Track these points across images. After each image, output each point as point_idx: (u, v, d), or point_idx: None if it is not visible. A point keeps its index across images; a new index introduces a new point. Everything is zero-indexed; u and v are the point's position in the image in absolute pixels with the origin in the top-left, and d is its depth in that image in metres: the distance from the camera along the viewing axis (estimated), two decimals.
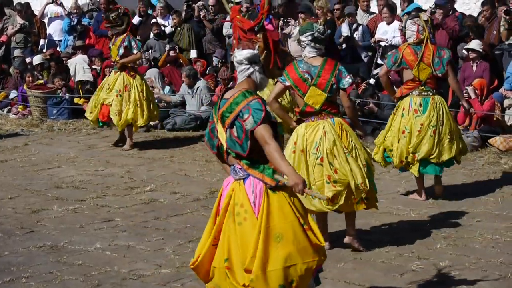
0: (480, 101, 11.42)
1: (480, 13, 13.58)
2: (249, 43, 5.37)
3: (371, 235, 7.75)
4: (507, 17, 12.29)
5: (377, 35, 13.65)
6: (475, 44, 12.11)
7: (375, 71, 13.07)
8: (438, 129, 8.74)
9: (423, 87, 8.79)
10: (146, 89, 11.99)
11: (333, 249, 7.17)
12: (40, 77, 15.28)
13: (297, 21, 13.26)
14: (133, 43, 11.75)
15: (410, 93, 8.82)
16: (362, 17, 14.47)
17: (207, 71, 14.67)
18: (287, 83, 7.21)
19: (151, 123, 12.76)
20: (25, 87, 14.84)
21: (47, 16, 17.25)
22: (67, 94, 14.70)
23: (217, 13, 15.46)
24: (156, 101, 12.75)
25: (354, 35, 13.81)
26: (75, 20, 16.45)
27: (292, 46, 12.43)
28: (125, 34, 11.75)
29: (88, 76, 15.02)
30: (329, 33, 7.73)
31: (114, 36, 11.95)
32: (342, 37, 13.73)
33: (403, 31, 9.30)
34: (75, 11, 16.63)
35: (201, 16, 15.38)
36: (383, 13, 13.66)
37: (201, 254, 5.15)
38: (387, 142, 8.91)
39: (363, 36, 13.85)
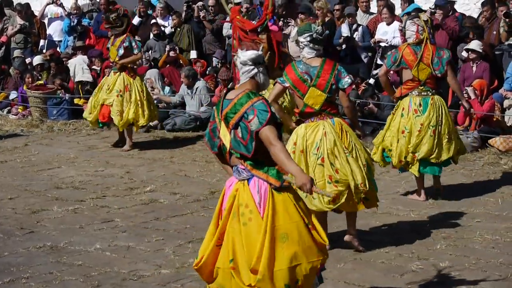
0: (480, 102, 11.42)
1: (480, 14, 13.59)
2: (252, 44, 5.38)
3: (371, 236, 7.75)
4: (507, 20, 12.32)
5: (377, 36, 13.66)
6: (475, 44, 12.11)
7: (374, 72, 13.08)
8: (438, 129, 8.75)
9: (422, 87, 8.80)
10: (145, 90, 12.03)
11: (333, 249, 7.17)
12: (39, 77, 15.28)
13: (295, 22, 13.25)
14: (133, 44, 11.76)
15: (410, 93, 8.83)
16: (362, 18, 14.47)
17: (207, 72, 14.67)
18: (286, 84, 7.21)
19: (150, 123, 12.76)
20: (25, 87, 14.84)
21: (47, 16, 17.25)
22: (67, 94, 14.70)
23: (217, 14, 15.47)
24: (155, 101, 12.77)
25: (354, 36, 13.82)
26: (75, 21, 16.46)
27: (291, 47, 12.43)
28: (125, 35, 11.76)
29: (87, 77, 15.02)
30: (327, 34, 7.73)
31: (112, 37, 11.95)
32: (342, 37, 13.74)
33: (403, 31, 9.31)
34: (75, 11, 16.64)
35: (201, 17, 15.38)
36: (383, 13, 13.67)
37: (205, 254, 5.14)
38: (386, 142, 8.91)
39: (363, 36, 13.86)
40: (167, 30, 15.51)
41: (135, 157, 11.53)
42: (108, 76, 11.96)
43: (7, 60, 16.72)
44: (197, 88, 13.54)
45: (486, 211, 8.53)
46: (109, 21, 11.74)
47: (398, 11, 14.11)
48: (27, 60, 16.21)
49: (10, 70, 16.25)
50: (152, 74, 14.33)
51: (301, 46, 7.23)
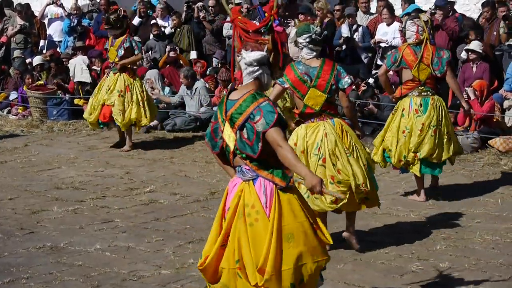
0: (480, 102, 11.42)
1: (480, 14, 13.59)
2: (257, 45, 5.36)
3: (371, 236, 7.75)
4: (507, 22, 12.34)
5: (377, 36, 13.66)
6: (475, 45, 12.11)
7: (374, 71, 13.08)
8: (438, 129, 8.76)
9: (422, 87, 8.81)
10: (145, 90, 12.05)
11: (333, 250, 7.17)
12: (39, 78, 15.28)
13: (294, 22, 13.25)
14: (134, 44, 11.76)
15: (410, 94, 8.83)
16: (362, 18, 14.48)
17: (207, 72, 14.67)
18: (286, 85, 7.21)
19: (150, 123, 12.76)
20: (25, 88, 14.84)
21: (47, 17, 17.25)
22: (67, 95, 14.70)
23: (217, 14, 15.46)
24: (155, 102, 12.77)
25: (354, 36, 13.82)
26: (75, 21, 16.46)
27: (290, 48, 12.44)
28: (124, 36, 11.76)
29: (86, 78, 15.01)
30: (326, 34, 7.74)
31: (111, 38, 11.94)
32: (342, 38, 13.74)
33: (403, 31, 9.32)
34: (75, 12, 16.63)
35: (201, 17, 15.37)
36: (383, 14, 13.68)
37: (210, 255, 5.13)
38: (387, 142, 8.91)
39: (363, 37, 13.86)
40: (167, 31, 15.51)
41: (135, 157, 11.53)
42: (107, 76, 11.94)
43: (7, 60, 16.72)
44: (196, 88, 13.54)
45: (486, 212, 8.53)
46: (109, 22, 11.74)
47: (398, 11, 14.11)
48: (27, 61, 16.21)
49: (10, 71, 16.25)
50: (152, 74, 14.33)
51: (300, 47, 7.23)
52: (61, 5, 17.07)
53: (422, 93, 8.81)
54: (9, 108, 15.35)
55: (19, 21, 16.62)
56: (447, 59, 8.77)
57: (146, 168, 10.84)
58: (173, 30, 15.44)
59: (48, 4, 17.22)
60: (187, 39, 15.34)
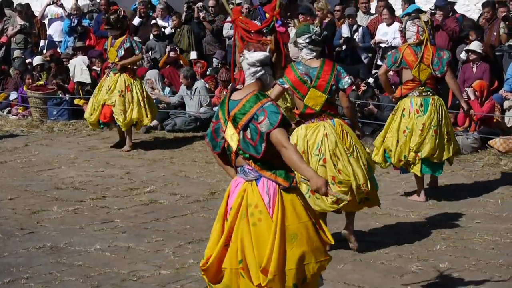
0: (480, 103, 11.42)
1: (480, 15, 13.59)
2: (260, 45, 5.35)
3: (371, 237, 7.75)
4: (507, 23, 12.34)
5: (377, 37, 13.67)
6: (475, 45, 12.11)
7: (374, 71, 13.08)
8: (439, 129, 8.77)
9: (423, 87, 8.81)
10: (145, 90, 12.06)
11: (332, 250, 7.17)
12: (39, 78, 15.29)
13: (293, 23, 13.25)
14: (134, 44, 11.76)
15: (411, 94, 8.84)
16: (362, 19, 14.48)
17: (207, 72, 14.67)
18: (286, 86, 7.21)
19: (150, 124, 12.76)
20: (25, 88, 14.85)
21: (47, 17, 17.26)
22: (67, 95, 14.71)
23: (217, 14, 15.46)
24: (155, 102, 12.77)
25: (354, 37, 13.83)
26: (75, 21, 16.46)
27: (290, 48, 12.44)
28: (124, 36, 11.76)
29: (85, 78, 15.01)
30: (325, 34, 7.74)
31: (110, 38, 11.93)
32: (342, 38, 13.75)
33: (403, 32, 9.32)
34: (75, 12, 16.64)
35: (201, 17, 15.37)
36: (383, 14, 13.68)
37: (213, 255, 5.13)
38: (388, 142, 8.91)
39: (363, 37, 13.87)
40: (167, 31, 15.51)
41: (135, 157, 11.53)
42: (107, 77, 11.93)
43: (7, 60, 16.72)
44: (196, 88, 13.54)
45: (486, 212, 8.53)
46: (109, 22, 11.73)
47: (398, 12, 14.11)
48: (27, 61, 16.21)
49: (10, 71, 16.26)
50: (152, 74, 14.33)
51: (300, 48, 7.23)
52: (61, 5, 17.07)
53: (423, 93, 8.81)
54: (9, 108, 15.36)
55: (19, 21, 16.63)
56: (447, 59, 8.78)
57: (146, 168, 10.84)
58: (173, 30, 15.44)
59: (48, 4, 17.23)
60: (187, 39, 15.34)
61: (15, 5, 17.59)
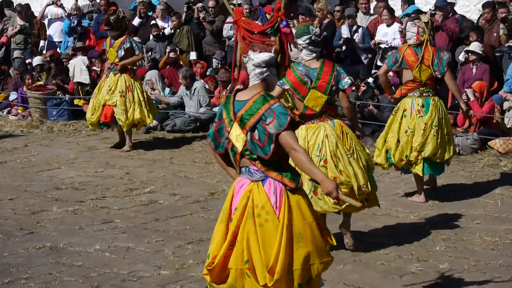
0: (479, 104, 11.42)
1: (480, 16, 13.60)
2: (265, 46, 5.34)
3: (370, 237, 7.76)
4: (506, 24, 12.35)
5: (377, 37, 13.67)
6: (475, 46, 12.12)
7: (374, 71, 13.08)
8: (440, 129, 8.78)
9: (423, 88, 8.81)
10: (145, 91, 12.06)
11: (332, 251, 7.15)
12: (39, 78, 15.29)
13: (292, 23, 13.25)
14: (134, 45, 11.76)
15: (412, 95, 8.84)
16: (362, 19, 14.49)
17: (207, 73, 14.67)
18: (286, 86, 7.21)
19: (150, 124, 12.77)
20: (24, 88, 14.85)
21: (47, 17, 17.26)
22: (66, 95, 14.71)
23: (217, 15, 15.47)
24: (154, 102, 12.78)
25: (354, 37, 13.83)
26: (75, 22, 16.46)
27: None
28: (124, 36, 11.76)
29: (85, 78, 15.01)
30: (325, 35, 7.74)
31: (109, 38, 11.93)
32: (342, 39, 13.75)
33: (403, 32, 9.33)
34: (75, 12, 16.64)
35: (201, 18, 15.37)
36: (383, 15, 13.68)
37: (218, 255, 5.12)
38: (389, 143, 8.91)
39: (363, 38, 13.87)
40: (167, 31, 15.51)
41: (135, 158, 11.53)
42: (107, 77, 11.92)
43: (7, 60, 16.73)
44: (195, 88, 13.54)
45: (485, 213, 8.53)
46: (109, 23, 11.73)
47: (398, 12, 14.12)
48: (27, 61, 16.21)
49: (10, 71, 16.26)
50: (152, 75, 14.33)
51: (299, 48, 7.24)
52: (61, 6, 17.08)
53: (423, 94, 8.82)
54: (9, 108, 15.37)
55: (19, 22, 16.63)
56: (447, 60, 8.79)
57: (146, 169, 10.84)
58: (172, 31, 15.44)
59: (48, 5, 17.23)
60: (187, 40, 15.34)
61: (15, 5, 17.59)
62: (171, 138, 12.90)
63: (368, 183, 7.10)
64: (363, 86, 12.74)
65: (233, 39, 14.09)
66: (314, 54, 7.19)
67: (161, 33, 15.43)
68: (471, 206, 8.76)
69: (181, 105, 13.80)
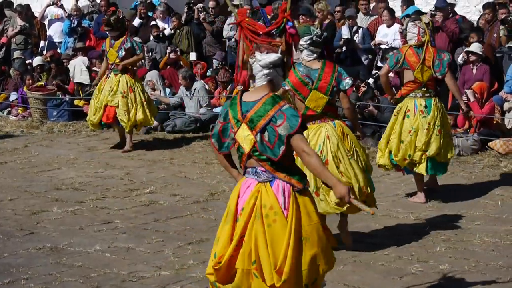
0: (480, 104, 11.41)
1: (480, 16, 13.60)
2: (271, 47, 5.33)
3: (370, 238, 7.76)
4: (506, 25, 12.35)
5: (378, 38, 13.67)
6: (475, 47, 12.11)
7: (374, 72, 13.08)
8: (442, 129, 8.80)
9: (425, 88, 8.82)
10: (145, 91, 12.07)
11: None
12: (40, 79, 15.29)
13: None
14: (134, 45, 11.77)
15: (414, 95, 8.84)
16: (362, 20, 14.49)
17: (207, 74, 14.67)
18: (287, 87, 7.21)
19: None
20: (25, 89, 14.85)
21: (47, 18, 17.26)
22: (67, 96, 14.71)
23: (217, 16, 15.46)
24: (155, 102, 12.78)
25: (355, 38, 13.83)
26: (76, 22, 16.46)
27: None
28: (124, 37, 11.76)
29: (84, 79, 15.01)
30: (326, 36, 7.74)
31: (109, 39, 11.92)
32: (343, 39, 13.75)
33: (403, 33, 9.33)
34: (75, 13, 16.64)
35: (201, 19, 15.37)
36: (383, 15, 13.68)
37: (225, 255, 5.12)
38: (392, 143, 8.90)
39: (364, 38, 13.87)
40: (167, 32, 15.51)
41: (135, 158, 11.53)
42: (108, 78, 11.91)
43: (7, 61, 16.73)
44: (195, 89, 13.54)
45: (485, 214, 8.53)
46: (110, 23, 11.73)
47: (398, 13, 14.11)
48: (27, 61, 16.21)
49: (10, 71, 16.26)
50: (153, 76, 14.33)
51: (300, 49, 7.24)
52: (61, 6, 17.08)
53: (425, 95, 8.83)
54: (9, 109, 15.36)
55: (19, 22, 16.63)
56: (447, 61, 8.79)
57: (146, 169, 10.84)
58: (172, 32, 15.44)
59: (48, 5, 17.23)
60: (187, 40, 15.34)
61: (15, 5, 17.59)
62: (171, 138, 12.90)
63: (368, 185, 7.11)
64: (364, 87, 12.73)
65: (233, 39, 14.09)
66: (315, 55, 7.19)
67: (161, 33, 15.43)
68: (471, 207, 8.76)
69: (181, 106, 13.80)
